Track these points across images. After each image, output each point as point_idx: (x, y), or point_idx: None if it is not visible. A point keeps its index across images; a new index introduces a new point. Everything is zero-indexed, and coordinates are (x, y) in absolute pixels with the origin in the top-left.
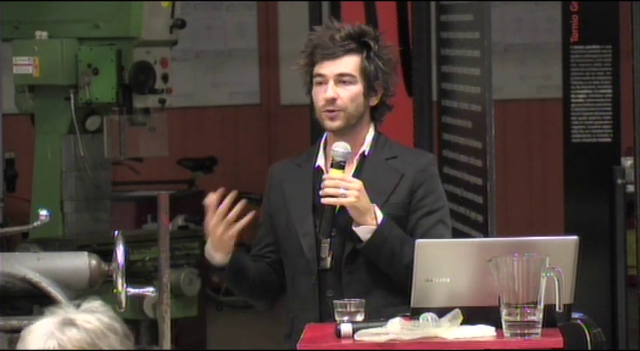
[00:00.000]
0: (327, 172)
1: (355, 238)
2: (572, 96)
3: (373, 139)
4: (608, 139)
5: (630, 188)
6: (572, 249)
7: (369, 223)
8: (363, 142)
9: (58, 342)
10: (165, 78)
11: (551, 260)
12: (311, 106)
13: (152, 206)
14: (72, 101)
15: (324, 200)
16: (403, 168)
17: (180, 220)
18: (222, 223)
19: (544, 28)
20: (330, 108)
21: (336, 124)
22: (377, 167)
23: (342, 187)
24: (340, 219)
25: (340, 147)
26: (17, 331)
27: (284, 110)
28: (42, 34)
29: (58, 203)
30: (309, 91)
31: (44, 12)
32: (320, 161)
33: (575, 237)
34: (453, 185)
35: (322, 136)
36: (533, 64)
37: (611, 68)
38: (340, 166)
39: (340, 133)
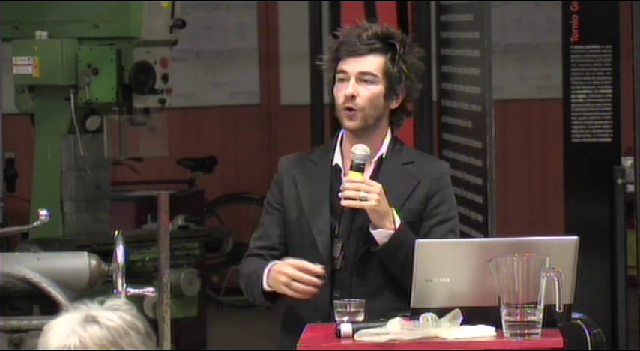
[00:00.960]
0: (346, 172)
1: (369, 240)
2: (572, 96)
3: (390, 143)
4: (608, 139)
5: (630, 188)
6: (572, 249)
7: (387, 226)
8: (380, 146)
9: (79, 339)
10: (165, 78)
11: (551, 260)
12: (312, 104)
13: (152, 206)
14: (72, 101)
15: (344, 203)
16: (420, 174)
17: (180, 220)
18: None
19: (544, 28)
20: (349, 105)
21: (353, 123)
22: (394, 172)
23: (363, 190)
24: (357, 221)
25: (360, 150)
26: (17, 331)
27: (284, 110)
28: (42, 34)
29: (58, 203)
30: (332, 88)
31: (44, 12)
32: (337, 160)
33: (575, 237)
34: (453, 185)
35: (338, 134)
36: (533, 64)
37: (611, 68)
38: (360, 168)
39: (358, 134)
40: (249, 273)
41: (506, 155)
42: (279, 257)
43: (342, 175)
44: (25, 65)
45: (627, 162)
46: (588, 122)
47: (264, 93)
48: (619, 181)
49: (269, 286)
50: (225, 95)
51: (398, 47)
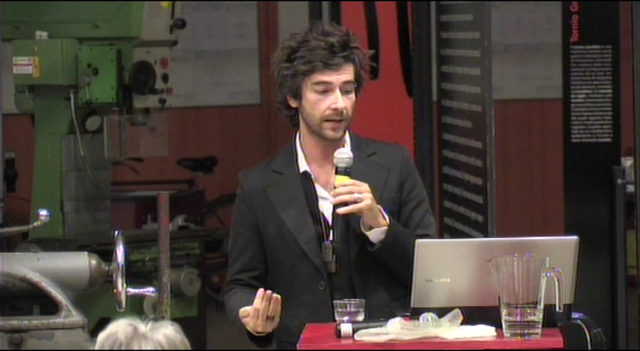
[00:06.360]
0: (316, 178)
1: (360, 239)
2: (572, 96)
3: (351, 139)
4: (608, 139)
5: (630, 188)
6: (572, 249)
7: (381, 223)
8: (344, 143)
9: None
10: (165, 78)
11: (551, 260)
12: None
13: (152, 206)
14: (72, 101)
15: (340, 211)
16: (387, 162)
17: (180, 220)
18: (263, 322)
19: (544, 28)
20: (338, 118)
21: (339, 134)
22: (362, 166)
23: (355, 191)
24: (342, 222)
25: (345, 154)
26: (17, 331)
27: None
28: (42, 34)
29: (58, 203)
30: (295, 97)
31: (44, 12)
32: (304, 166)
33: (575, 237)
34: (453, 185)
35: (295, 140)
36: (533, 64)
37: (611, 68)
38: (347, 172)
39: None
40: (232, 316)
41: (506, 155)
42: (259, 277)
43: (314, 181)
44: (25, 65)
45: (627, 162)
46: (588, 122)
47: (264, 93)
48: (619, 181)
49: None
50: (225, 95)
51: (359, 51)
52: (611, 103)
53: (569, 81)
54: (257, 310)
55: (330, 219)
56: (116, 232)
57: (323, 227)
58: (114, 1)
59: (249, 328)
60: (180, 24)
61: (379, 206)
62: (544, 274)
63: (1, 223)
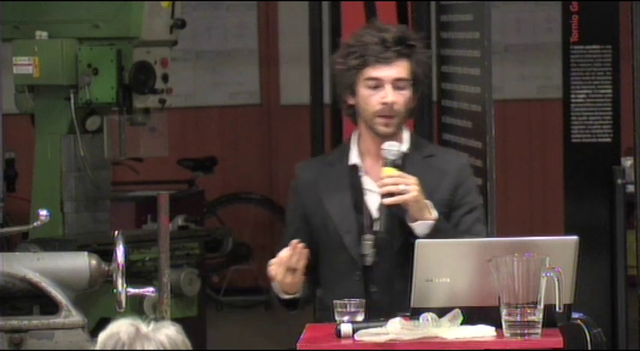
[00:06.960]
0: (367, 170)
1: (405, 232)
2: (572, 96)
3: (410, 138)
4: (608, 139)
5: (630, 188)
6: (572, 249)
7: (427, 217)
8: (402, 141)
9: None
10: (165, 78)
11: (551, 260)
12: (312, 104)
13: (152, 206)
14: (72, 101)
15: (386, 201)
16: (443, 166)
17: (180, 220)
18: (284, 271)
19: (544, 28)
20: (388, 113)
21: (390, 129)
22: (418, 165)
23: (402, 183)
24: (388, 214)
25: (393, 146)
26: (17, 331)
27: (284, 110)
28: (42, 34)
29: (58, 203)
30: (351, 93)
31: (44, 12)
32: (354, 159)
33: (575, 237)
34: None
35: (353, 134)
36: (533, 64)
37: (611, 68)
38: (395, 165)
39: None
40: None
41: (506, 155)
42: (305, 267)
43: (361, 174)
44: (25, 65)
45: (627, 162)
46: (588, 122)
47: (264, 93)
48: (619, 181)
49: (285, 292)
50: (225, 95)
51: (418, 49)
52: (611, 103)
53: (569, 81)
54: (281, 258)
55: (375, 212)
56: (116, 232)
57: (366, 220)
58: (114, 1)
59: (272, 279)
60: (180, 24)
61: (427, 201)
62: (544, 274)
63: (1, 223)
